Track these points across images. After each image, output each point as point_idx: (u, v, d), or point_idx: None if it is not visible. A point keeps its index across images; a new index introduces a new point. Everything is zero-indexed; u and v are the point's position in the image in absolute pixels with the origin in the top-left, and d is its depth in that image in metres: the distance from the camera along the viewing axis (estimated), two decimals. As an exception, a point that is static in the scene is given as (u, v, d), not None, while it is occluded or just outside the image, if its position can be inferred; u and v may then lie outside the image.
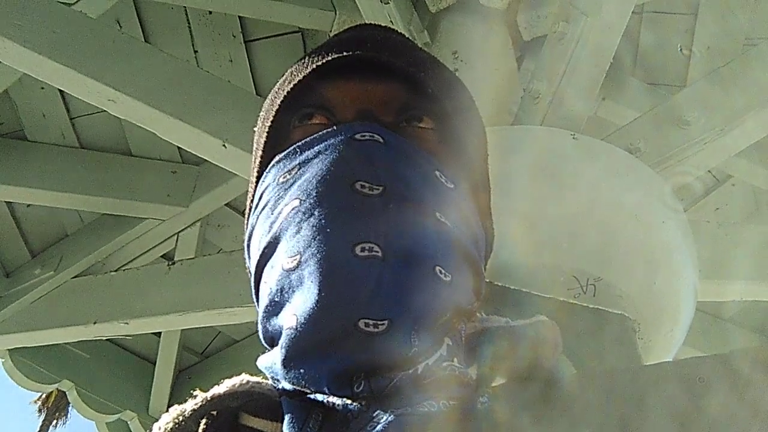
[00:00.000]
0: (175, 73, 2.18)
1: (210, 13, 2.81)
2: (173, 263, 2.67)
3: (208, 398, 0.68)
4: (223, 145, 2.03)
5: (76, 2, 2.55)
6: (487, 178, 0.86)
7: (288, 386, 0.67)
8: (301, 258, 0.65)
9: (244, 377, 0.71)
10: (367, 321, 0.62)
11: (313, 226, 0.66)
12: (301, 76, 0.78)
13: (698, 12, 2.55)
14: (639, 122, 1.84)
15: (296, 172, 0.72)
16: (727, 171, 2.80)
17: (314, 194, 0.67)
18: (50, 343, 2.93)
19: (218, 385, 0.70)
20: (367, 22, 0.92)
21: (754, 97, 1.81)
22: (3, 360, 3.05)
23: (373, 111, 0.76)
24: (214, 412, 0.67)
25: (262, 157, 0.80)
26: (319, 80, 0.78)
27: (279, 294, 0.67)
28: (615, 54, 1.81)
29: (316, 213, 0.66)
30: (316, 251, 0.64)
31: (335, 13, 2.64)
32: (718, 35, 2.55)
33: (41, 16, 2.11)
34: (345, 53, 0.77)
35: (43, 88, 2.78)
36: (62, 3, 2.29)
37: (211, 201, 2.87)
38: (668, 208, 1.62)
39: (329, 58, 0.77)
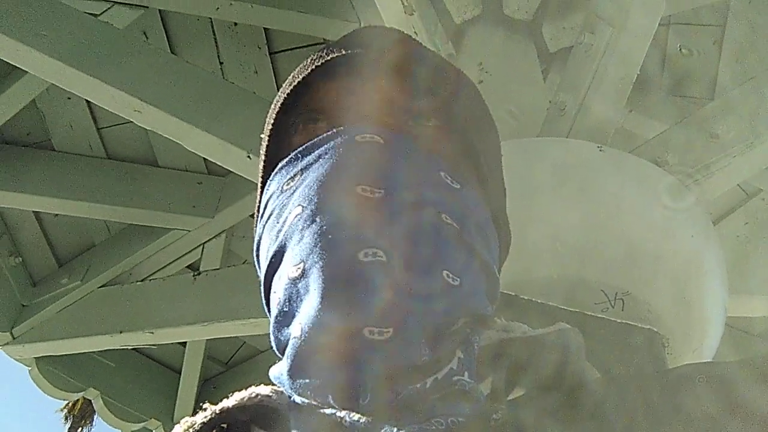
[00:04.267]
0: (201, 84, 2.20)
1: (235, 24, 2.82)
2: (198, 273, 2.69)
3: (218, 411, 0.68)
4: (248, 156, 2.04)
5: (103, 13, 2.58)
6: (501, 181, 0.84)
7: (297, 399, 0.66)
8: (305, 266, 0.63)
9: (253, 390, 0.70)
10: (371, 329, 0.60)
11: (315, 233, 0.64)
12: (300, 78, 0.76)
13: (726, 23, 2.53)
14: (667, 135, 1.81)
15: (299, 178, 0.70)
16: (757, 185, 2.77)
17: (315, 200, 0.66)
18: (76, 351, 2.96)
19: (227, 398, 0.70)
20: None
21: (784, 109, 1.78)
22: (30, 368, 3.07)
23: (376, 111, 0.74)
24: (224, 425, 0.67)
25: (265, 163, 0.79)
26: (319, 82, 0.76)
27: (287, 304, 0.66)
28: (642, 66, 1.79)
29: (318, 219, 0.65)
30: (318, 259, 0.63)
31: (359, 24, 2.64)
32: (746, 47, 2.52)
33: (68, 26, 2.13)
34: (344, 53, 0.76)
35: (70, 98, 2.81)
36: (89, 14, 2.31)
37: (237, 212, 2.88)
38: (697, 222, 1.59)
39: (328, 58, 0.75)
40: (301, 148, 0.72)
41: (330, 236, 0.63)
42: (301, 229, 0.65)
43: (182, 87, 2.16)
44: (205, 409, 0.69)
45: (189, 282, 2.64)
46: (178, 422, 0.70)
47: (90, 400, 3.32)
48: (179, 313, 2.58)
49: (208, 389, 3.35)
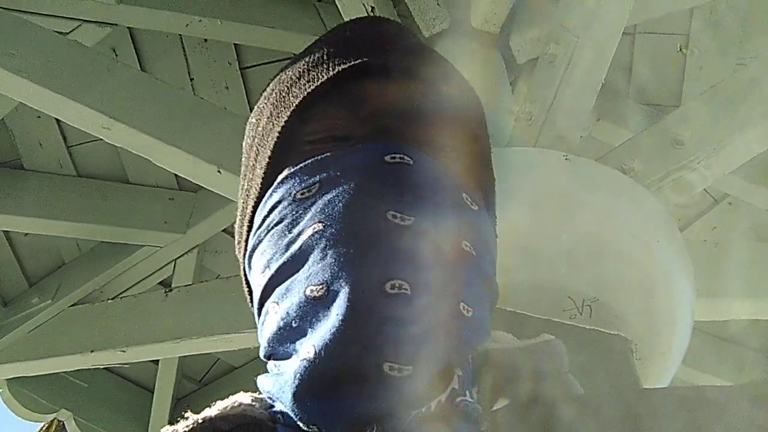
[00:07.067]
0: (171, 101, 2.19)
1: (205, 40, 2.82)
2: (170, 290, 2.67)
3: (200, 421, 0.67)
4: (218, 171, 2.04)
5: (72, 31, 2.57)
6: (494, 200, 0.83)
7: (286, 415, 0.65)
8: (328, 289, 0.62)
9: (237, 399, 0.69)
10: (392, 365, 0.60)
11: (342, 256, 0.63)
12: (314, 86, 0.73)
13: (690, 32, 2.57)
14: (632, 142, 1.84)
15: (317, 190, 0.68)
16: (724, 190, 2.80)
17: (342, 221, 0.64)
18: (48, 372, 2.92)
19: (210, 407, 0.69)
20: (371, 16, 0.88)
21: (747, 115, 1.81)
22: (1, 390, 3.03)
23: (402, 129, 0.72)
24: None
25: (269, 166, 0.74)
26: (340, 89, 0.73)
27: (297, 320, 0.64)
28: (609, 75, 1.82)
29: (345, 242, 0.63)
30: (345, 285, 0.61)
31: (329, 39, 2.65)
32: (709, 54, 2.57)
33: (36, 45, 2.12)
34: (362, 59, 0.73)
35: (39, 116, 2.79)
36: (57, 32, 2.30)
37: (208, 227, 2.87)
38: (663, 227, 1.61)
39: (347, 65, 0.73)
40: (320, 158, 0.70)
41: (358, 263, 0.62)
42: (324, 248, 0.64)
43: (152, 103, 2.15)
44: (186, 418, 0.68)
45: (161, 299, 2.62)
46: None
47: (64, 423, 3.28)
48: (151, 330, 2.55)
49: (182, 408, 3.30)
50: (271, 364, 0.69)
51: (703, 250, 2.12)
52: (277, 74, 0.83)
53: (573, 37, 1.73)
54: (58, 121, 2.81)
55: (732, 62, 2.52)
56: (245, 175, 0.80)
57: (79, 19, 2.62)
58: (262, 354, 0.70)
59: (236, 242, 0.80)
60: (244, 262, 0.76)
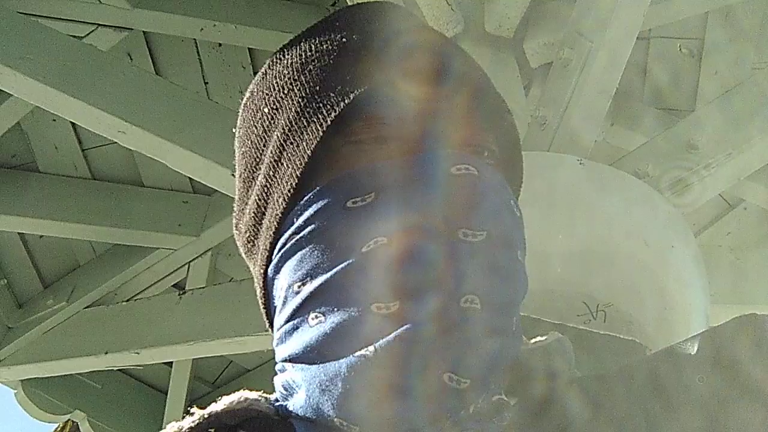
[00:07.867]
0: (185, 104, 2.20)
1: (220, 45, 2.84)
2: (184, 292, 2.68)
3: (206, 416, 0.67)
4: (233, 174, 2.04)
5: (87, 35, 2.59)
6: None
7: (304, 411, 0.65)
8: (401, 306, 0.61)
9: (242, 395, 0.69)
10: (451, 376, 0.60)
11: (415, 278, 0.61)
12: (365, 87, 0.67)
13: (705, 37, 2.56)
14: (647, 147, 1.83)
15: (372, 200, 0.64)
16: (739, 195, 2.79)
17: (412, 241, 0.62)
18: (62, 373, 2.94)
19: (216, 402, 0.69)
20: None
21: (762, 120, 1.81)
22: (16, 391, 3.05)
23: (457, 136, 0.68)
24: (212, 430, 0.66)
25: (305, 167, 0.67)
26: (388, 89, 0.68)
27: (354, 332, 0.62)
28: (623, 80, 1.81)
29: (417, 262, 0.62)
30: (419, 304, 0.61)
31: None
32: (725, 60, 2.55)
33: (52, 49, 2.14)
34: (410, 64, 0.69)
35: (54, 120, 2.80)
36: (73, 36, 2.32)
37: (222, 230, 2.88)
38: (677, 232, 1.61)
39: (402, 64, 0.69)
40: (375, 164, 0.66)
41: (434, 285, 0.61)
42: (393, 267, 0.62)
43: (167, 107, 2.17)
44: (192, 414, 0.68)
45: (175, 301, 2.64)
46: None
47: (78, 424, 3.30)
48: (165, 332, 2.57)
49: (196, 410, 3.32)
50: (290, 365, 0.67)
51: (719, 255, 2.11)
52: (282, 53, 0.76)
53: (587, 42, 1.73)
54: (73, 124, 2.83)
55: (747, 67, 2.51)
56: (252, 169, 0.75)
57: (95, 24, 2.64)
58: (284, 355, 0.68)
59: (246, 241, 0.75)
60: (266, 266, 0.71)
